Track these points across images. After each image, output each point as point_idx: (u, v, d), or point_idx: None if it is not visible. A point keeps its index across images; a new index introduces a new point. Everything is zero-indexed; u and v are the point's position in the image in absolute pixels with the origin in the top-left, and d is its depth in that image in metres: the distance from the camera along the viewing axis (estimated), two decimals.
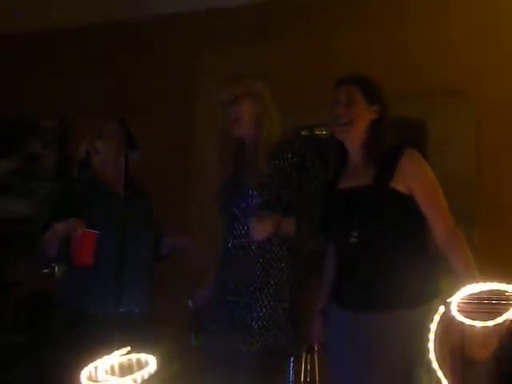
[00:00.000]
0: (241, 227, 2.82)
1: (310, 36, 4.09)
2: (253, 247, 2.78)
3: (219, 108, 2.91)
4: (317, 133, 2.46)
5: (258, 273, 2.76)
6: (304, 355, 1.63)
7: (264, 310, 2.74)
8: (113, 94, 4.45)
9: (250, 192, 2.79)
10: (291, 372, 2.05)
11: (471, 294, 2.05)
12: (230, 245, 2.81)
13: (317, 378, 1.63)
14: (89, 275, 2.90)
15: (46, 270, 2.84)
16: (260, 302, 2.75)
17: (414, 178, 2.56)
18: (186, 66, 4.38)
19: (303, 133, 2.41)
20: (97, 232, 2.79)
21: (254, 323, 2.71)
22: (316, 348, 1.66)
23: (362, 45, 3.97)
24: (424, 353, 2.30)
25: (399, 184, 2.54)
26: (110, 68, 4.58)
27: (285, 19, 4.19)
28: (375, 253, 2.54)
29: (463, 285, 2.29)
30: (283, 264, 2.79)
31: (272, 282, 2.77)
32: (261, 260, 2.77)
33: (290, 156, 2.80)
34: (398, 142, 2.67)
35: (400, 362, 2.45)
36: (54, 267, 2.80)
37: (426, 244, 2.61)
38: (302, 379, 1.63)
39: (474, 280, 2.24)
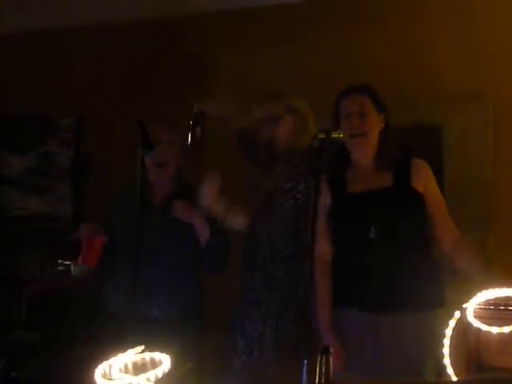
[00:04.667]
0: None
1: (326, 38, 4.09)
2: (258, 256, 2.83)
3: (255, 122, 2.94)
4: (333, 136, 2.45)
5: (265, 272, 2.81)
6: (319, 357, 1.62)
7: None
8: (129, 94, 4.47)
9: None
10: (304, 375, 2.03)
11: (487, 300, 2.04)
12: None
13: (331, 377, 1.62)
14: (117, 276, 2.95)
15: (60, 268, 2.86)
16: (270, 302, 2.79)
17: (426, 183, 2.65)
18: (202, 66, 4.39)
19: (320, 135, 2.39)
20: (104, 237, 2.86)
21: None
22: (332, 350, 1.65)
23: (379, 49, 3.95)
24: (432, 357, 2.33)
25: (417, 184, 2.62)
26: (127, 67, 4.60)
27: (301, 20, 4.18)
28: (394, 252, 2.55)
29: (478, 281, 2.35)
30: (290, 267, 2.82)
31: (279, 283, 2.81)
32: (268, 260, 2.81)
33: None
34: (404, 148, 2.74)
35: (414, 365, 2.45)
36: (69, 265, 2.82)
37: (433, 250, 2.67)
38: (317, 381, 1.62)
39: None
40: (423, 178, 2.64)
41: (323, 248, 2.70)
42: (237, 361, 2.82)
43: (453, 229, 2.65)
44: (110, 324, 2.88)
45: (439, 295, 2.58)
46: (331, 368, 1.63)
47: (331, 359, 1.64)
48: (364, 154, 2.70)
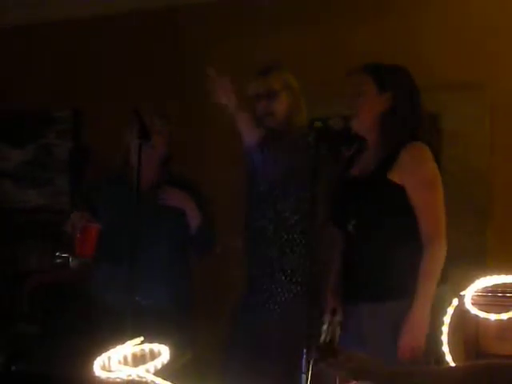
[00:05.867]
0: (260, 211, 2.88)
1: (324, 26, 4.07)
2: (269, 232, 2.84)
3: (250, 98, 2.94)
4: (331, 124, 2.43)
5: (274, 256, 2.82)
6: (329, 316, 1.64)
7: (284, 295, 2.80)
8: (126, 86, 4.45)
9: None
10: (304, 363, 2.04)
11: (485, 287, 2.04)
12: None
13: (337, 339, 1.64)
14: (109, 266, 2.94)
15: (58, 260, 2.87)
16: (278, 286, 2.81)
17: (409, 173, 2.49)
18: (199, 56, 4.37)
19: (316, 124, 2.38)
20: (98, 225, 2.84)
21: (275, 307, 2.77)
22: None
23: (376, 36, 3.94)
24: None
25: (396, 176, 2.48)
26: (124, 59, 4.59)
27: (299, 9, 4.17)
28: (372, 242, 2.50)
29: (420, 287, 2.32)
30: (299, 248, 2.84)
31: (287, 267, 2.83)
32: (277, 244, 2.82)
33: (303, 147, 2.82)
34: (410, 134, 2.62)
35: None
36: (68, 257, 2.82)
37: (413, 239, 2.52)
38: (322, 339, 1.64)
39: (429, 288, 2.25)
40: (406, 168, 2.48)
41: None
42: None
43: (431, 229, 2.45)
44: (105, 316, 2.89)
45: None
46: (337, 329, 1.64)
47: (338, 319, 1.66)
48: (362, 134, 2.64)
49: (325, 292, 2.65)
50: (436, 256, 2.42)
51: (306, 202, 2.77)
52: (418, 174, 2.49)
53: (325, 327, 1.67)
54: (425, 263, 2.41)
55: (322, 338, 1.67)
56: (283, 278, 2.86)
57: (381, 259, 2.47)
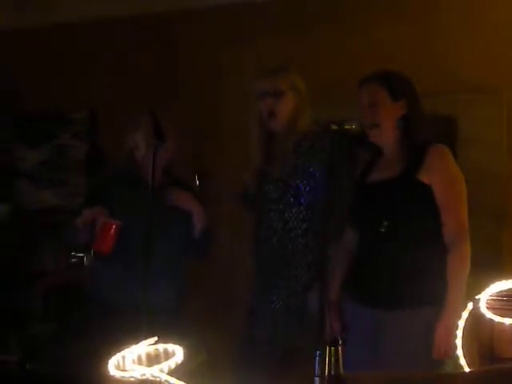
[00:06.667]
0: (269, 219, 2.87)
1: (340, 30, 4.07)
2: (274, 239, 2.84)
3: (253, 97, 2.92)
4: (346, 127, 2.43)
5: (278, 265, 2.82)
6: (328, 348, 1.63)
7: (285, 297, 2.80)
8: (140, 88, 4.47)
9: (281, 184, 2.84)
10: (317, 366, 2.03)
11: (500, 291, 2.03)
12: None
13: (341, 371, 1.63)
14: (115, 266, 2.94)
15: (74, 260, 2.88)
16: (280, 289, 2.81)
17: (436, 172, 2.56)
18: (212, 59, 4.39)
19: (333, 127, 2.38)
20: (118, 223, 2.84)
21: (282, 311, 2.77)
22: (341, 341, 1.66)
23: (392, 40, 3.94)
24: None
25: (425, 176, 2.54)
26: (137, 61, 4.60)
27: (315, 12, 4.17)
28: (403, 244, 2.52)
29: (451, 287, 2.31)
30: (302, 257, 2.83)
31: (290, 274, 2.82)
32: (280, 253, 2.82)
33: (318, 150, 2.82)
34: (431, 137, 2.67)
35: (425, 360, 2.44)
36: (83, 257, 2.83)
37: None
38: (327, 372, 1.63)
39: (460, 288, 2.24)
40: (434, 168, 2.56)
41: (348, 235, 2.71)
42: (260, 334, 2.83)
43: (457, 226, 2.53)
44: (117, 315, 2.87)
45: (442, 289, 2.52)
46: (340, 359, 1.63)
47: (340, 350, 1.65)
48: (382, 143, 2.68)
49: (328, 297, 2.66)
50: (464, 255, 2.49)
51: (316, 211, 2.78)
52: (445, 174, 2.57)
53: (327, 359, 1.66)
54: (453, 262, 2.48)
55: (326, 371, 1.66)
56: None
57: (415, 261, 2.50)
